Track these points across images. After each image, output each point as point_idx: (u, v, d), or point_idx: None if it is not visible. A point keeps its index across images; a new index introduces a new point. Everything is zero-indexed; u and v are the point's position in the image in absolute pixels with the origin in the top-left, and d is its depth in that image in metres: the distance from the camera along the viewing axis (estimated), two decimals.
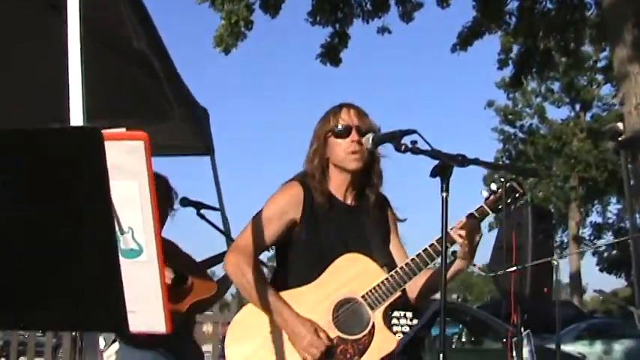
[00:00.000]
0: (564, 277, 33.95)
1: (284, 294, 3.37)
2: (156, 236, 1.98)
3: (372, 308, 3.33)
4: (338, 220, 3.48)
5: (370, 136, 3.36)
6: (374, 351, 3.31)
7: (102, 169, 1.65)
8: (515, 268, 6.58)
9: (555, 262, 6.47)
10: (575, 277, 35.30)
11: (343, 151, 3.44)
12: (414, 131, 3.09)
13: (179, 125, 5.79)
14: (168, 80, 5.08)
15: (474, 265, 7.88)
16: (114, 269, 1.68)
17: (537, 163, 33.23)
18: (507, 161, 34.46)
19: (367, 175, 3.55)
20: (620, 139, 10.40)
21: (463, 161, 2.99)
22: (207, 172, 6.18)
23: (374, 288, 3.34)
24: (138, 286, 1.94)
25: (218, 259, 4.92)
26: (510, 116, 33.49)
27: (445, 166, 2.97)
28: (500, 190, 3.39)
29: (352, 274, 3.37)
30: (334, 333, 3.32)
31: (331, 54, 14.65)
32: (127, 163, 1.90)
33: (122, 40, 4.01)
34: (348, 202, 3.54)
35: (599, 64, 30.29)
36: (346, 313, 3.35)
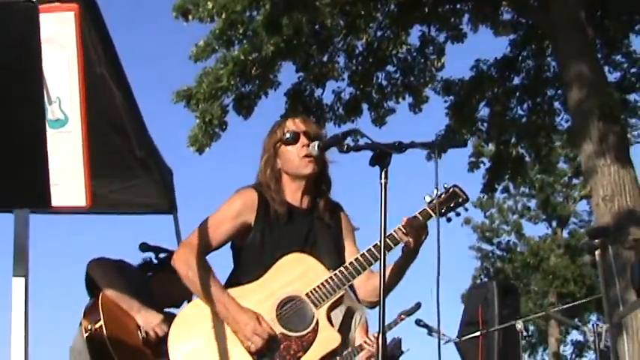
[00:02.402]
0: None
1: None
2: (81, 106, 2.00)
3: (315, 306, 3.33)
4: (291, 224, 3.52)
5: (315, 143, 3.44)
6: (318, 347, 3.29)
7: (36, 42, 1.68)
8: (479, 333, 6.56)
9: (519, 326, 6.40)
10: None
11: (296, 157, 3.52)
12: (355, 130, 3.17)
13: (145, 184, 5.83)
14: (137, 138, 5.10)
15: (439, 331, 7.79)
16: (41, 140, 1.68)
17: (515, 280, 33.11)
18: (486, 279, 34.37)
19: (317, 182, 3.62)
20: (589, 229, 10.49)
21: (400, 147, 3.07)
22: (170, 229, 6.21)
23: (318, 286, 3.35)
24: (62, 157, 1.95)
25: None
26: (488, 233, 33.60)
27: (382, 154, 3.03)
28: (443, 195, 3.45)
29: (296, 273, 3.38)
30: (278, 329, 3.29)
31: None
32: (58, 33, 1.94)
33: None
34: (304, 206, 3.59)
35: (575, 181, 30.74)
36: (290, 310, 3.33)
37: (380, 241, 3.01)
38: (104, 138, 4.73)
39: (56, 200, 1.83)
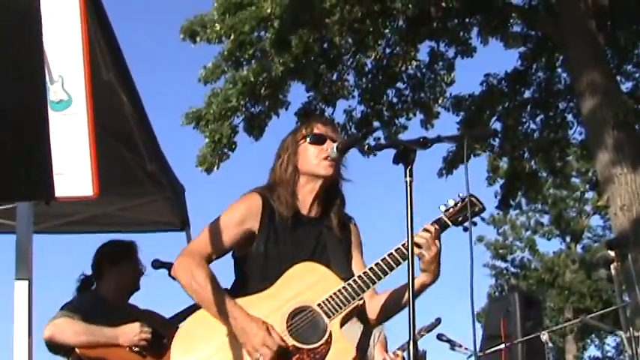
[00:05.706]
0: None
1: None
2: (86, 85, 1.86)
3: (328, 317, 3.18)
4: (299, 232, 3.37)
5: (334, 145, 3.32)
6: None
7: (37, 14, 1.54)
8: (503, 345, 6.40)
9: (544, 337, 6.23)
10: None
11: (315, 157, 3.38)
12: (377, 129, 3.09)
13: (156, 201, 5.74)
14: (148, 150, 4.98)
15: (461, 346, 7.65)
16: (43, 124, 1.54)
17: None
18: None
19: (331, 197, 3.48)
20: (608, 240, 10.35)
21: (425, 142, 2.97)
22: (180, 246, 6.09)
23: (330, 296, 3.20)
24: (66, 143, 1.81)
25: (187, 312, 4.79)
26: (501, 250, 33.36)
27: (407, 150, 2.93)
28: (459, 204, 3.35)
29: (308, 283, 3.23)
30: (289, 342, 3.13)
31: None
32: (60, 4, 1.81)
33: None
34: (312, 214, 3.44)
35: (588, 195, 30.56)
36: (301, 321, 3.18)
37: (407, 244, 2.91)
38: (113, 151, 4.60)
39: (60, 191, 1.68)
